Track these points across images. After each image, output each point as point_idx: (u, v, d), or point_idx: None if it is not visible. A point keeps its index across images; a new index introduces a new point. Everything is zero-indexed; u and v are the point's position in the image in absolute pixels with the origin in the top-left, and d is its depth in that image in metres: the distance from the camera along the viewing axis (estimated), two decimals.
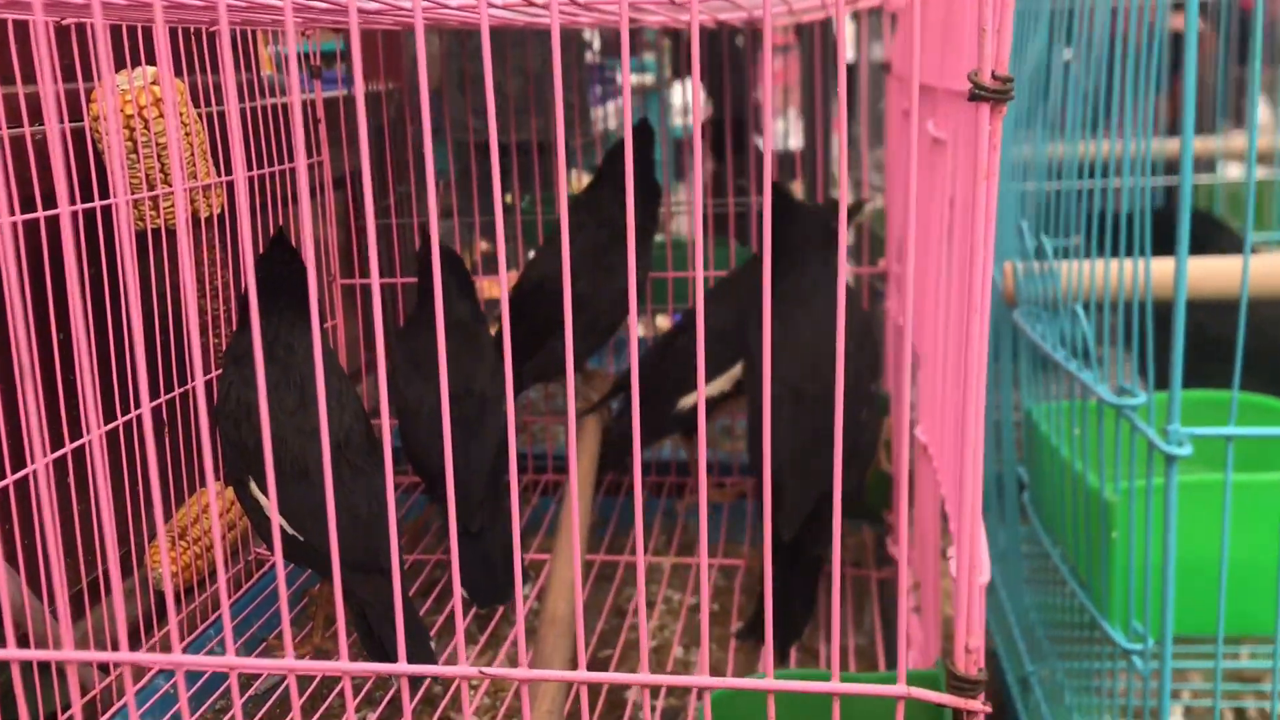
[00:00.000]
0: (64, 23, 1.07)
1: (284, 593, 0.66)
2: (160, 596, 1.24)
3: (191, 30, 1.25)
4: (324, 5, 0.90)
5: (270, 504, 0.70)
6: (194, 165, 1.21)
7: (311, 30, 1.50)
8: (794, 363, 1.13)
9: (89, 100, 1.14)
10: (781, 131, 2.39)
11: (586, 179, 2.07)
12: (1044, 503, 0.91)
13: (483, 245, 1.96)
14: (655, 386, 1.36)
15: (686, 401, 1.38)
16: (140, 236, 1.19)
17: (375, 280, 0.62)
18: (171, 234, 1.21)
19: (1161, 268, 0.70)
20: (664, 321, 2.02)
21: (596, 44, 2.27)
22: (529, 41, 1.91)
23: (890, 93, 1.42)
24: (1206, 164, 1.61)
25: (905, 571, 0.69)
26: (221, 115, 1.29)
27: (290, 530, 1.04)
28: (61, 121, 1.10)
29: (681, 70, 2.48)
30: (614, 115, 2.72)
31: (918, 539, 0.98)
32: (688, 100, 2.64)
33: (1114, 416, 0.72)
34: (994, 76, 0.50)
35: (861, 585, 1.34)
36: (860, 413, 1.15)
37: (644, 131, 1.42)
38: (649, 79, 2.93)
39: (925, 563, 0.93)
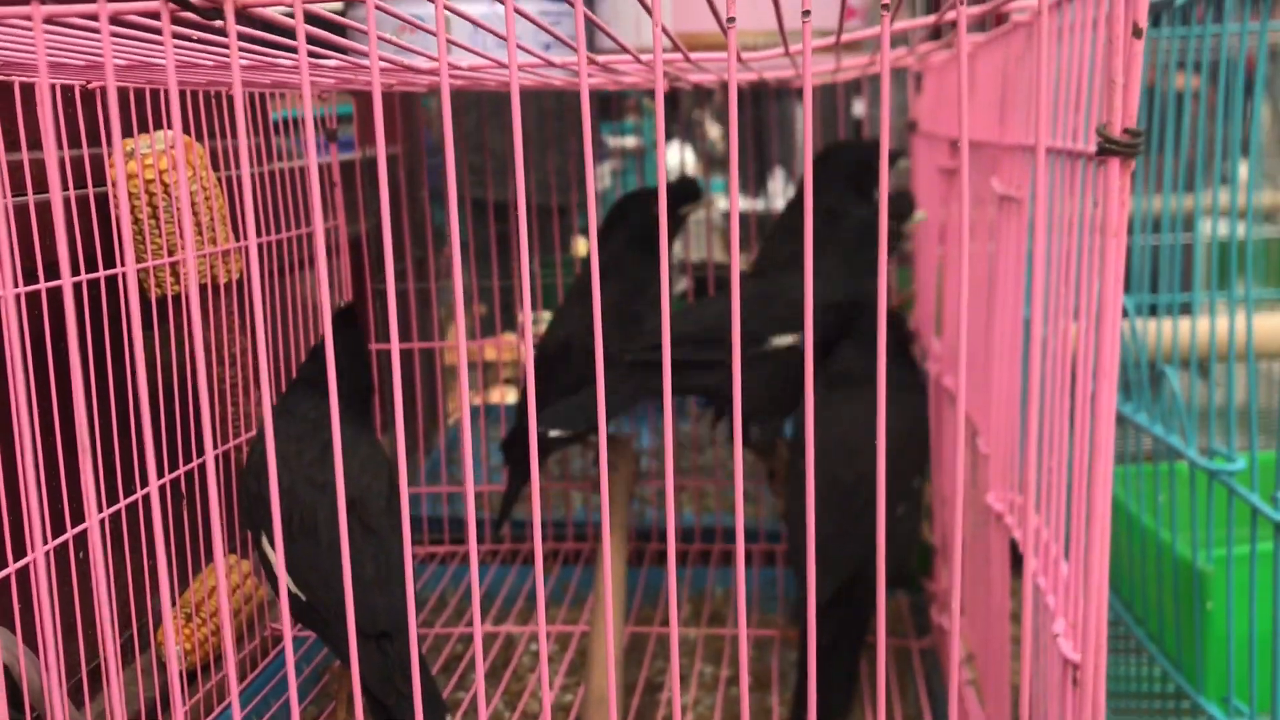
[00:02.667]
0: (90, 86, 1.05)
1: (291, 659, 0.63)
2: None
3: (211, 95, 1.23)
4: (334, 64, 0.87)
5: (278, 559, 0.66)
6: (214, 230, 1.18)
7: (328, 94, 1.48)
8: (832, 448, 1.11)
9: (110, 164, 1.11)
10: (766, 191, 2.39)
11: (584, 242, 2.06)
12: (1119, 572, 0.88)
13: (480, 309, 1.93)
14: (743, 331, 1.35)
15: (780, 341, 1.30)
16: (160, 303, 1.16)
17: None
18: (189, 300, 1.18)
19: (1264, 324, 0.68)
20: None
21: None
22: (529, 107, 1.90)
23: (918, 152, 1.40)
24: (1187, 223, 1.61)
25: (957, 643, 0.66)
26: (240, 179, 1.26)
27: (294, 589, 1.00)
28: (83, 187, 1.08)
29: (680, 132, 2.48)
30: (603, 178, 2.72)
31: (979, 609, 0.95)
32: (678, 163, 2.63)
33: (1206, 482, 0.70)
34: (1125, 130, 0.47)
35: (903, 655, 1.30)
36: (895, 508, 1.12)
37: (647, 192, 1.42)
38: (630, 142, 2.93)
39: (990, 632, 0.89)
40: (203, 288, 1.19)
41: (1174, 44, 0.80)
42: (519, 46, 0.60)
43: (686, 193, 1.40)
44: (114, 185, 1.10)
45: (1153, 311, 0.85)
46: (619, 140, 2.81)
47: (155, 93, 1.14)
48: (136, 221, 1.11)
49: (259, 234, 1.30)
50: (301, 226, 1.38)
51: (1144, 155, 0.74)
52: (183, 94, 1.19)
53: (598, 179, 2.62)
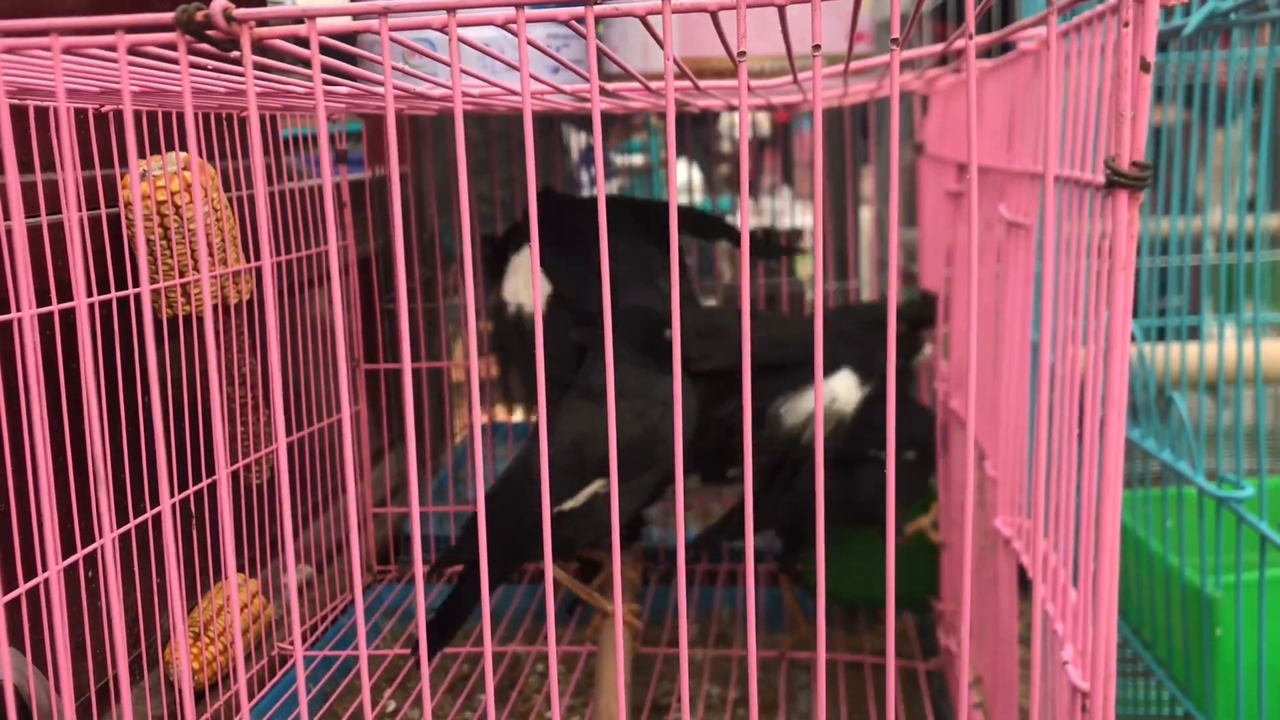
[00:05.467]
0: (104, 110, 1.05)
1: (301, 675, 0.63)
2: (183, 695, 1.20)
3: (223, 116, 1.24)
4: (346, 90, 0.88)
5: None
6: (224, 251, 1.19)
7: (339, 115, 1.49)
8: None
9: (122, 186, 1.12)
10: (770, 210, 2.39)
11: None
12: (1128, 597, 0.88)
13: (487, 326, 1.94)
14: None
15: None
16: (171, 324, 1.16)
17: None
18: (201, 321, 1.18)
19: (1271, 349, 0.68)
20: None
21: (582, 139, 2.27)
22: (515, 154, 1.91)
23: (925, 174, 1.41)
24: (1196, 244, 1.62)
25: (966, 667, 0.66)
26: (250, 199, 1.27)
27: None
28: (95, 208, 1.09)
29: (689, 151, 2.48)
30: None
31: (987, 632, 0.95)
32: (685, 181, 2.64)
33: (1215, 509, 0.70)
34: (1133, 164, 0.48)
35: (908, 677, 1.30)
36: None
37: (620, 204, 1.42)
38: (638, 159, 2.94)
39: (998, 656, 0.89)
40: (213, 308, 1.19)
41: (1181, 69, 0.81)
42: (504, 62, 0.61)
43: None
44: (126, 206, 1.10)
45: (1161, 335, 0.85)
46: (626, 158, 2.82)
47: (167, 114, 1.15)
48: (148, 242, 1.11)
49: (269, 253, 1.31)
50: (311, 246, 1.39)
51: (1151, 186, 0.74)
52: (194, 116, 1.19)
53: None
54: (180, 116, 1.16)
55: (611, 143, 2.68)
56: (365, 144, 1.71)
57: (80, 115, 1.06)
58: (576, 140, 2.35)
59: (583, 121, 2.20)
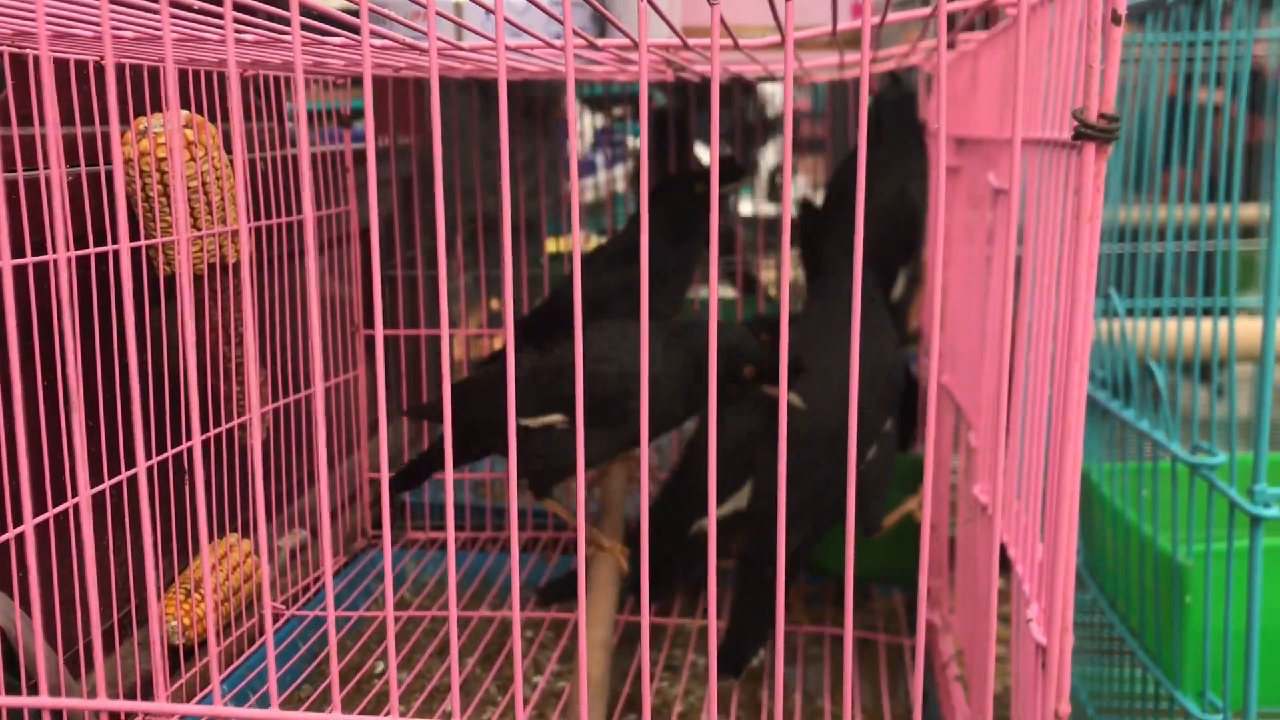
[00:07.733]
0: (102, 61, 1.06)
1: (271, 640, 0.63)
2: (175, 651, 1.21)
3: (226, 76, 1.24)
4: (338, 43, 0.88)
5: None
6: (224, 210, 1.19)
7: (343, 82, 1.49)
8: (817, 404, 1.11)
9: (123, 143, 1.13)
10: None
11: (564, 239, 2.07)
12: (1105, 568, 0.88)
13: (493, 303, 1.94)
14: (672, 511, 1.32)
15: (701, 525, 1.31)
16: (169, 281, 1.17)
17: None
18: (198, 279, 1.19)
19: (1246, 326, 0.68)
20: None
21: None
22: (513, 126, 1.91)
23: (929, 152, 1.41)
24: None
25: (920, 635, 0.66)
26: (254, 162, 1.28)
27: None
28: (96, 164, 1.09)
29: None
30: (617, 180, 2.72)
31: (968, 603, 0.95)
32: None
33: (1188, 477, 0.70)
34: (1101, 116, 0.48)
35: (895, 653, 1.30)
36: (866, 453, 1.14)
37: (689, 174, 1.41)
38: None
39: (978, 627, 0.89)
40: (211, 267, 1.20)
41: (1198, 49, 0.80)
42: (508, 21, 0.61)
43: (726, 173, 1.39)
44: (127, 164, 1.11)
45: (1156, 315, 0.85)
46: (636, 141, 2.82)
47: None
48: (148, 199, 1.12)
49: (269, 216, 1.32)
50: (316, 209, 1.40)
51: (1164, 166, 0.75)
52: (196, 75, 1.20)
53: (611, 181, 2.63)
54: (180, 75, 1.16)
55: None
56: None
57: (82, 70, 1.07)
58: (592, 122, 2.35)
59: (595, 104, 2.21)
